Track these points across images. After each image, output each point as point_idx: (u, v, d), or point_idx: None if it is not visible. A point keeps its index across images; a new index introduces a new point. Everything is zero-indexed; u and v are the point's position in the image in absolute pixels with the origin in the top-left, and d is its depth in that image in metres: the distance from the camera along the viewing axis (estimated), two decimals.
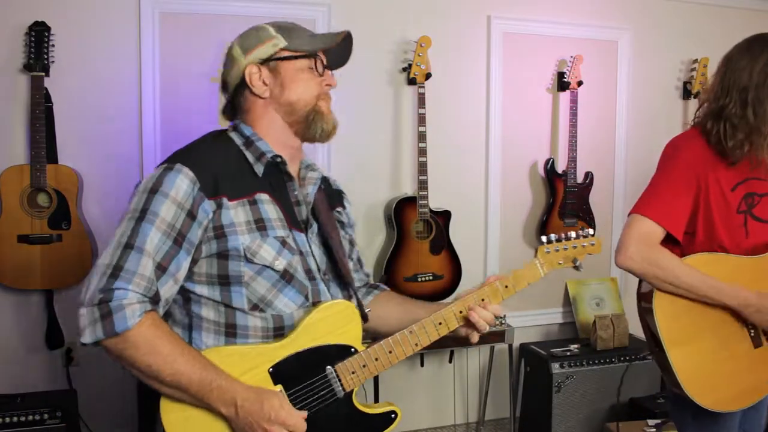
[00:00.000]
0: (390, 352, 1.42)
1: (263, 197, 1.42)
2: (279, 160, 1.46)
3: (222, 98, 1.58)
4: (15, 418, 2.63)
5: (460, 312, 1.47)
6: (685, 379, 1.82)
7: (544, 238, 1.54)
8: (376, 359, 1.42)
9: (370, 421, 1.43)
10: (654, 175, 1.94)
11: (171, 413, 1.32)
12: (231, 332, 1.37)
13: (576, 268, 1.55)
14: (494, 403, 3.69)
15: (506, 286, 1.52)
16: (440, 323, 1.46)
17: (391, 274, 3.25)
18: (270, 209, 1.42)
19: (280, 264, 1.39)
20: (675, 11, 3.92)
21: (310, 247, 1.47)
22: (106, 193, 3.05)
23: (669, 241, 1.88)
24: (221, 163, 1.40)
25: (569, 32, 3.68)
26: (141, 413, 2.81)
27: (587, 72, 3.62)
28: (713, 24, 3.99)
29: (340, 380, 1.40)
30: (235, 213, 1.37)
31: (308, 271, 1.44)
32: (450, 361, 3.55)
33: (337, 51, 1.53)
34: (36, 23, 2.82)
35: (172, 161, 1.37)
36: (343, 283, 1.53)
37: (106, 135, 3.04)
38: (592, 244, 1.58)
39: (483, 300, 1.49)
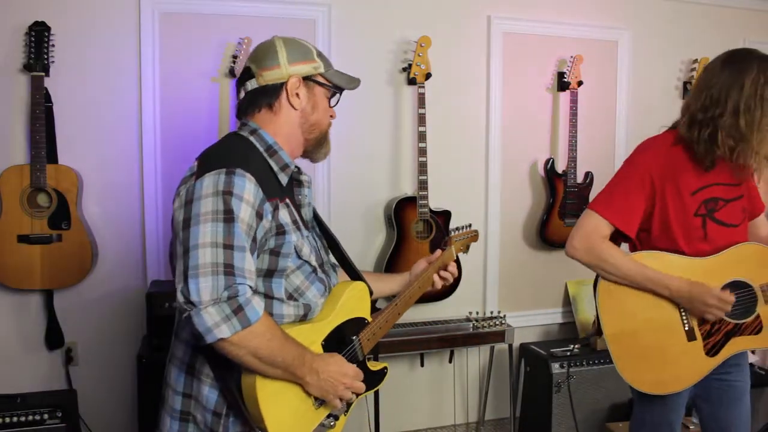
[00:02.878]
0: (386, 321, 1.77)
1: (288, 202, 1.58)
2: (296, 170, 1.66)
3: (230, 89, 1.63)
4: (15, 418, 2.62)
5: (420, 286, 1.88)
6: (620, 361, 2.04)
7: (452, 233, 2.02)
8: (380, 327, 1.74)
9: (375, 376, 1.76)
10: (615, 173, 2.09)
11: (264, 389, 1.46)
12: None
13: (465, 251, 2.09)
14: (494, 403, 3.69)
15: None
16: (410, 297, 1.84)
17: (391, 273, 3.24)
18: (294, 212, 1.58)
19: (312, 259, 1.59)
20: (675, 11, 3.92)
21: (316, 243, 1.67)
22: (106, 193, 3.05)
23: (624, 238, 2.08)
24: (260, 169, 1.51)
25: (569, 32, 3.68)
26: (141, 413, 2.81)
27: (587, 72, 3.62)
28: (713, 24, 3.99)
29: (361, 346, 1.68)
30: (284, 214, 1.52)
31: (321, 265, 1.65)
32: (450, 361, 3.55)
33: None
34: (36, 23, 2.82)
35: (228, 165, 1.44)
36: (333, 270, 1.77)
37: (106, 135, 3.04)
38: (475, 234, 2.10)
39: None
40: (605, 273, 2.02)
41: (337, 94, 1.67)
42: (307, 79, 1.59)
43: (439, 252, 1.95)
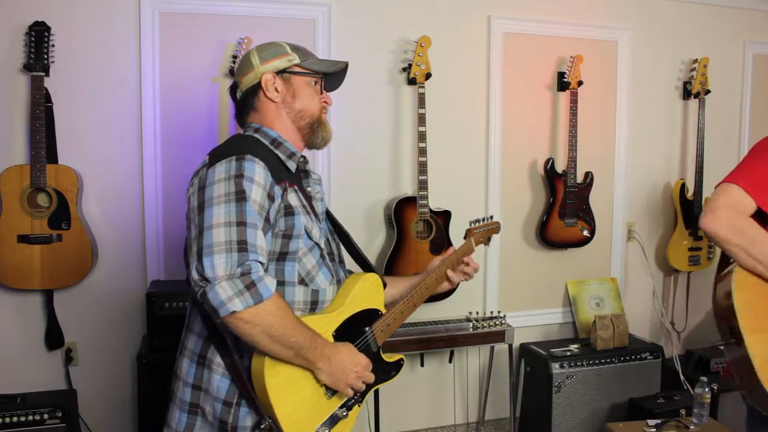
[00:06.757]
0: (401, 312, 1.80)
1: (297, 188, 1.63)
2: (302, 159, 1.72)
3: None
4: (15, 418, 2.62)
5: (436, 280, 1.94)
6: (761, 365, 1.72)
7: (472, 224, 2.06)
8: (394, 319, 1.78)
9: (390, 366, 1.81)
10: (747, 154, 1.87)
11: (274, 377, 1.48)
12: None
13: (487, 243, 2.17)
14: (494, 403, 3.69)
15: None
16: (426, 289, 1.91)
17: (392, 274, 3.25)
18: (302, 198, 1.63)
19: (322, 243, 1.64)
20: (675, 11, 3.92)
21: (326, 235, 1.72)
22: (106, 193, 3.05)
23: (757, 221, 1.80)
24: (269, 159, 1.57)
25: (569, 32, 3.68)
26: (141, 413, 2.81)
27: (587, 72, 3.62)
28: (713, 24, 3.99)
29: (375, 337, 1.72)
30: (292, 197, 1.58)
31: (330, 254, 1.70)
32: (450, 361, 3.55)
33: (334, 77, 1.77)
34: (36, 23, 2.82)
35: (238, 153, 1.50)
36: (343, 263, 1.80)
37: (106, 135, 3.04)
38: (496, 225, 2.16)
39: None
40: (746, 257, 1.73)
41: (321, 80, 1.71)
42: (283, 72, 1.66)
43: (452, 249, 1.99)
